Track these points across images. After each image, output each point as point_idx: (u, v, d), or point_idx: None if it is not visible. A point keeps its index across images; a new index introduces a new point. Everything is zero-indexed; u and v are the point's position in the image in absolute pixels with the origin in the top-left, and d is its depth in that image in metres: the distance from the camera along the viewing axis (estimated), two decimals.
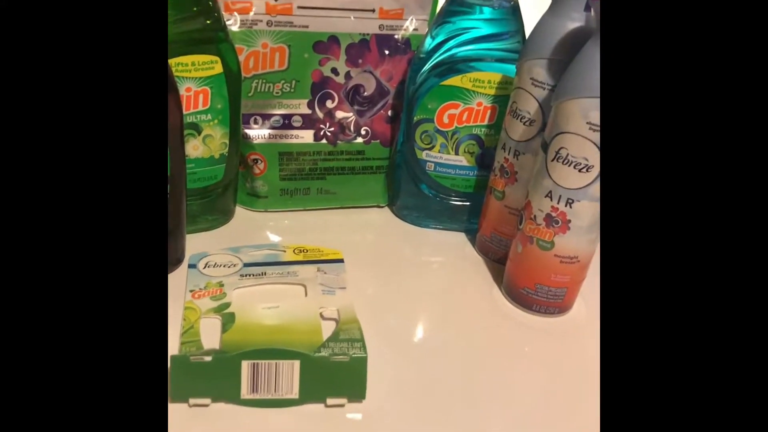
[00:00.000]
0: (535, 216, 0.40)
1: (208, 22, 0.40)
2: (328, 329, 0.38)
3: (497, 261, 0.48)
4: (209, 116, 0.43)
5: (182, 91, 0.40)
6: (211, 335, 0.37)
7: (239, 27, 0.44)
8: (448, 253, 0.50)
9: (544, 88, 0.40)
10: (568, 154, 0.36)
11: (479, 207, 0.49)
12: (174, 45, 0.39)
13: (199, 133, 0.43)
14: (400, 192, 0.52)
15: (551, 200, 0.38)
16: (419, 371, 0.37)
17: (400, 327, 0.41)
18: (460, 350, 0.39)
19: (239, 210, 0.51)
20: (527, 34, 0.44)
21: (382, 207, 0.54)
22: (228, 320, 0.38)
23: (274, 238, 0.49)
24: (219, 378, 0.32)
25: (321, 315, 0.39)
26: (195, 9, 0.39)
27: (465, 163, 0.49)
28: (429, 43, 0.45)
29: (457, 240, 0.51)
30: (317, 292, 0.41)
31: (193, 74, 0.41)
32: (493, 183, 0.47)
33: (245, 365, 0.32)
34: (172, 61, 0.38)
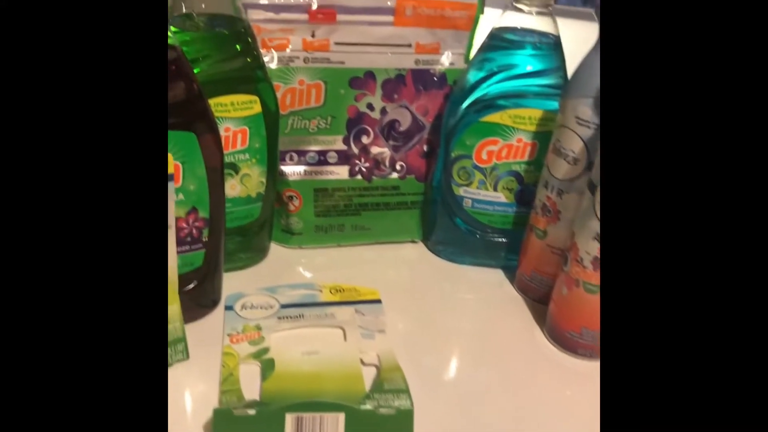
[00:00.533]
0: (581, 258, 0.38)
1: (248, 60, 0.40)
2: (369, 375, 0.37)
3: (537, 300, 0.46)
4: (247, 156, 0.42)
5: (221, 131, 0.40)
6: (250, 383, 0.36)
7: (276, 64, 0.44)
8: (486, 291, 0.48)
9: (590, 127, 0.39)
10: None
11: (517, 243, 0.48)
12: (213, 85, 0.38)
13: (237, 173, 0.43)
14: (435, 227, 0.51)
15: (599, 243, 0.37)
16: (462, 419, 0.36)
17: (440, 370, 0.39)
18: (504, 396, 0.38)
19: (272, 246, 0.50)
20: (568, 69, 0.43)
21: (416, 242, 0.53)
22: (267, 367, 0.37)
23: (308, 274, 0.48)
24: (262, 431, 0.31)
25: (361, 361, 0.38)
26: (238, 48, 0.39)
27: (503, 199, 0.48)
28: (468, 80, 0.45)
29: (495, 277, 0.50)
30: (356, 336, 0.40)
31: (232, 114, 0.40)
32: (533, 221, 0.45)
33: (289, 418, 0.31)
34: (211, 101, 0.38)
